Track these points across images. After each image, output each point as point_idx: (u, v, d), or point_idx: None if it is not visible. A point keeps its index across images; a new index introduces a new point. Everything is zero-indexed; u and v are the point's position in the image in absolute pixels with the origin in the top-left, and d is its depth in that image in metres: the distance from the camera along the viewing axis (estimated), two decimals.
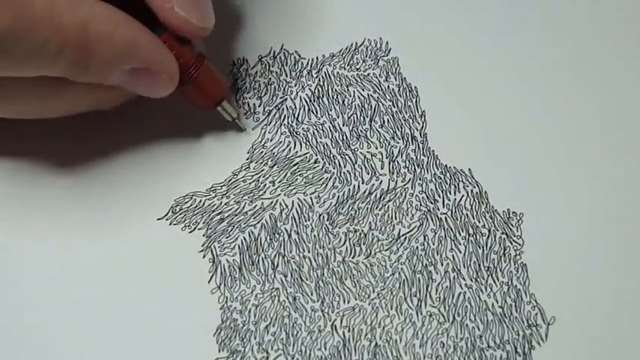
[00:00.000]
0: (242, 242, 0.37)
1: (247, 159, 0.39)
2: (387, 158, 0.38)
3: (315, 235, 0.37)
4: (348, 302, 0.36)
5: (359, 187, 0.38)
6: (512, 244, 0.37)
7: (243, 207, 0.38)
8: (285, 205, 0.38)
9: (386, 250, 0.37)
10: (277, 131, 0.39)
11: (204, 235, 0.37)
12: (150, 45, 0.33)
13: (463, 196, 0.38)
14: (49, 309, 0.36)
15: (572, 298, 0.36)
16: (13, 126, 0.37)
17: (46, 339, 0.35)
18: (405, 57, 0.40)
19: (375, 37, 0.41)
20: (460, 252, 0.37)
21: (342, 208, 0.37)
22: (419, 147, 0.39)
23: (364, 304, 0.36)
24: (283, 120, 0.39)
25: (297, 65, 0.40)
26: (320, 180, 0.38)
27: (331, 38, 0.41)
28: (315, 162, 0.38)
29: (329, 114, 0.39)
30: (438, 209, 0.38)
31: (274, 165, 0.38)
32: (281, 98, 0.40)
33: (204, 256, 0.37)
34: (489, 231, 0.37)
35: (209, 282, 0.36)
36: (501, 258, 0.37)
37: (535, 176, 0.38)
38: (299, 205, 0.37)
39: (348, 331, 0.35)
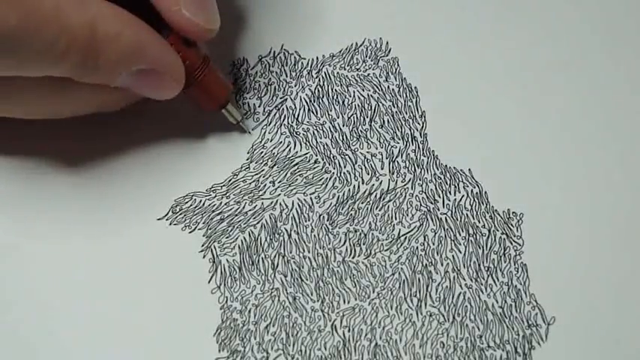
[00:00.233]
0: (242, 242, 0.37)
1: (247, 159, 0.39)
2: (387, 158, 0.38)
3: (315, 235, 0.37)
4: (348, 302, 0.36)
5: (359, 187, 0.38)
6: (512, 244, 0.37)
7: (244, 207, 0.38)
8: (285, 205, 0.38)
9: (386, 250, 0.37)
10: (277, 131, 0.39)
11: (204, 235, 0.37)
12: (156, 46, 0.33)
13: (463, 196, 0.38)
14: (49, 309, 0.36)
15: (572, 298, 0.36)
16: (16, 126, 0.37)
17: (46, 338, 0.35)
18: (405, 57, 0.40)
19: (375, 37, 0.41)
20: (460, 252, 0.37)
21: (342, 209, 0.37)
22: (419, 147, 0.39)
23: (364, 304, 0.36)
24: (283, 120, 0.39)
25: (297, 65, 0.40)
26: (320, 180, 0.38)
27: (331, 38, 0.41)
28: (315, 162, 0.38)
29: (329, 114, 0.39)
30: (438, 209, 0.38)
31: (274, 165, 0.38)
32: (281, 98, 0.40)
33: (204, 256, 0.37)
34: (489, 231, 0.37)
35: (209, 282, 0.36)
36: (501, 258, 0.37)
37: (535, 176, 0.38)
38: (299, 205, 0.38)
39: (348, 331, 0.35)
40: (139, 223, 0.37)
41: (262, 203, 0.38)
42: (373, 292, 0.36)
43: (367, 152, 0.39)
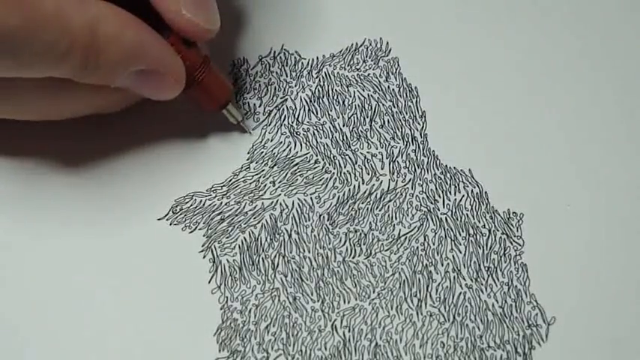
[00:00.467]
0: (242, 242, 0.37)
1: (247, 159, 0.39)
2: (387, 158, 0.38)
3: (315, 235, 0.37)
4: (349, 302, 0.36)
5: (359, 187, 0.38)
6: (512, 244, 0.37)
7: (244, 207, 0.38)
8: (286, 205, 0.38)
9: (386, 250, 0.37)
10: (277, 131, 0.39)
11: (204, 235, 0.37)
12: (157, 47, 0.33)
13: (463, 196, 0.38)
14: (48, 308, 0.36)
15: (572, 298, 0.36)
16: (16, 126, 0.37)
17: (47, 338, 0.35)
18: (405, 57, 0.40)
19: (375, 37, 0.41)
20: (460, 252, 0.37)
21: (343, 209, 0.38)
22: (419, 147, 0.39)
23: (364, 304, 0.36)
24: (283, 120, 0.39)
25: (297, 65, 0.40)
26: (320, 180, 0.38)
27: (331, 38, 0.41)
28: (316, 162, 0.38)
29: (329, 114, 0.39)
30: (438, 209, 0.38)
31: (274, 165, 0.38)
32: (281, 98, 0.40)
33: (204, 256, 0.37)
34: (489, 231, 0.37)
35: (209, 282, 0.36)
36: (501, 258, 0.37)
37: (535, 176, 0.38)
38: (299, 206, 0.38)
39: (349, 331, 0.35)
40: (139, 223, 0.37)
41: (262, 203, 0.38)
42: (373, 292, 0.36)
43: (367, 152, 0.39)
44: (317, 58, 0.40)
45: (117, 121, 0.38)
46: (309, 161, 0.38)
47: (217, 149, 0.39)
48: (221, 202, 0.38)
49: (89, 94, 0.35)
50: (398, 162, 0.38)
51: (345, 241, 0.37)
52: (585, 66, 0.41)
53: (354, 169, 0.38)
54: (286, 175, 0.38)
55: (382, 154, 0.39)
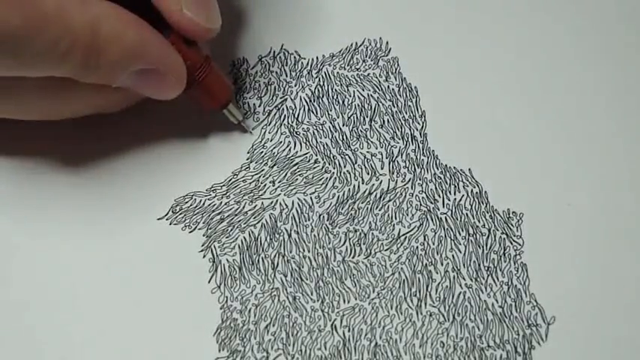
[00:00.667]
0: (242, 242, 0.37)
1: (247, 159, 0.39)
2: (387, 158, 0.38)
3: (315, 235, 0.37)
4: (348, 302, 0.36)
5: (359, 187, 0.38)
6: (512, 243, 0.37)
7: (243, 207, 0.38)
8: (285, 205, 0.38)
9: (386, 249, 0.37)
10: (277, 131, 0.39)
11: (204, 235, 0.37)
12: (158, 46, 0.33)
13: (463, 195, 0.38)
14: (48, 308, 0.36)
15: (572, 298, 0.36)
16: (17, 126, 0.37)
17: (46, 338, 0.35)
18: (405, 57, 0.40)
19: (375, 37, 0.41)
20: (460, 252, 0.37)
21: (342, 208, 0.38)
22: (419, 147, 0.39)
23: (364, 304, 0.36)
24: (283, 120, 0.39)
25: (297, 65, 0.40)
26: (320, 180, 0.38)
27: (331, 38, 0.41)
28: (315, 162, 0.38)
29: (329, 114, 0.39)
30: (438, 209, 0.38)
31: (274, 165, 0.38)
32: (281, 98, 0.40)
33: (204, 256, 0.37)
34: (489, 231, 0.37)
35: (209, 282, 0.36)
36: (501, 258, 0.37)
37: (535, 176, 0.38)
38: (299, 205, 0.38)
39: (348, 330, 0.35)
40: (139, 223, 0.37)
41: (262, 203, 0.38)
42: (373, 291, 0.36)
43: (367, 152, 0.39)
44: (317, 57, 0.40)
45: (116, 121, 0.38)
46: (308, 161, 0.38)
47: (217, 149, 0.39)
48: (221, 202, 0.38)
49: (90, 94, 0.35)
50: (398, 162, 0.38)
51: (345, 241, 0.37)
52: (585, 66, 0.41)
53: (354, 168, 0.38)
54: (286, 174, 0.38)
55: (382, 154, 0.39)
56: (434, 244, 0.37)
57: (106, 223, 0.37)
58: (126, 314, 0.36)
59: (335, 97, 0.40)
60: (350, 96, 0.40)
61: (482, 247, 0.37)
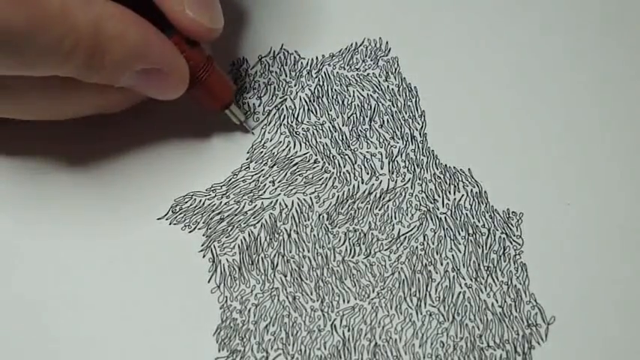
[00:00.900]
0: (242, 242, 0.37)
1: (247, 159, 0.39)
2: (386, 158, 0.38)
3: (314, 235, 0.37)
4: (348, 302, 0.36)
5: (359, 186, 0.38)
6: (511, 243, 0.37)
7: (243, 207, 0.38)
8: (285, 204, 0.38)
9: (385, 249, 0.37)
10: (277, 131, 0.39)
11: (204, 235, 0.37)
12: (161, 46, 0.33)
13: (463, 195, 0.38)
14: (48, 308, 0.36)
15: (572, 298, 0.36)
16: (17, 126, 0.37)
17: (46, 338, 0.35)
18: (404, 57, 0.40)
19: (375, 37, 0.41)
20: (460, 251, 0.37)
21: (342, 208, 0.38)
22: (418, 147, 0.39)
23: (364, 304, 0.36)
24: (283, 120, 0.39)
25: (296, 65, 0.40)
26: (320, 180, 0.38)
27: (331, 38, 0.41)
28: (315, 162, 0.38)
29: (329, 114, 0.39)
30: (438, 209, 0.38)
31: (274, 165, 0.38)
32: (281, 98, 0.40)
33: (204, 256, 0.37)
34: (489, 230, 0.37)
35: (209, 281, 0.36)
36: (501, 257, 0.37)
37: (535, 176, 0.38)
38: (299, 205, 0.38)
39: (348, 330, 0.35)
40: (139, 222, 0.37)
41: (262, 203, 0.38)
42: (373, 291, 0.36)
43: (367, 152, 0.39)
44: (316, 57, 0.40)
45: (116, 121, 0.38)
46: (308, 161, 0.38)
47: (217, 149, 0.39)
48: (220, 202, 0.38)
49: (93, 94, 0.35)
50: (397, 161, 0.38)
51: (345, 241, 0.37)
52: (585, 66, 0.41)
53: (354, 168, 0.38)
54: (286, 174, 0.38)
55: (382, 154, 0.39)
56: (433, 243, 0.37)
57: (106, 223, 0.37)
58: (126, 314, 0.36)
59: (335, 97, 0.40)
60: (350, 96, 0.40)
61: (482, 246, 0.37)
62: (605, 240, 0.37)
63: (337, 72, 0.40)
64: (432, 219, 0.37)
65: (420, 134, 0.39)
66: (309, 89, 0.40)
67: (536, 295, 0.36)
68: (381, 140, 0.39)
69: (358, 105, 0.39)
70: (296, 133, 0.39)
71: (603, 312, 0.36)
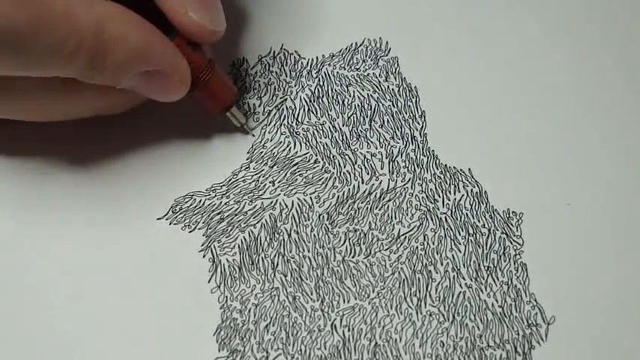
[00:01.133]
0: (242, 242, 0.37)
1: (247, 159, 0.39)
2: (386, 158, 0.39)
3: (314, 235, 0.37)
4: (348, 302, 0.36)
5: (359, 186, 0.38)
6: (512, 243, 0.37)
7: (243, 207, 0.38)
8: (285, 204, 0.38)
9: (386, 249, 0.37)
10: (277, 131, 0.39)
11: (204, 235, 0.37)
12: (163, 48, 0.33)
13: (463, 195, 0.38)
14: (48, 308, 0.36)
15: (572, 298, 0.36)
16: (17, 126, 0.37)
17: (47, 338, 0.35)
18: (405, 57, 0.40)
19: (375, 37, 0.41)
20: (460, 251, 0.37)
21: (342, 208, 0.38)
22: (419, 147, 0.39)
23: (364, 304, 0.36)
24: (283, 120, 0.39)
25: (296, 65, 0.40)
26: (320, 180, 0.38)
27: (331, 38, 0.41)
28: (315, 162, 0.38)
29: (329, 114, 0.39)
30: (438, 209, 0.38)
31: (274, 165, 0.38)
32: (281, 98, 0.40)
33: (204, 256, 0.37)
34: (489, 230, 0.37)
35: (209, 281, 0.36)
36: (501, 257, 0.37)
37: (535, 175, 0.38)
38: (299, 205, 0.38)
39: (348, 330, 0.35)
40: (139, 222, 0.37)
41: (262, 203, 0.38)
42: (373, 291, 0.36)
43: (367, 152, 0.39)
44: (316, 57, 0.40)
45: (116, 121, 0.38)
46: (308, 161, 0.38)
47: (217, 149, 0.39)
48: (220, 202, 0.38)
49: (94, 96, 0.35)
50: (397, 161, 0.38)
51: (345, 241, 0.37)
52: (585, 65, 0.41)
53: (354, 168, 0.38)
54: (286, 174, 0.38)
55: (382, 154, 0.39)
56: (434, 243, 0.37)
57: (106, 223, 0.37)
58: (126, 314, 0.36)
59: (335, 97, 0.40)
60: (350, 96, 0.40)
61: (482, 246, 0.37)
62: (605, 240, 0.37)
63: (337, 72, 0.40)
64: (432, 219, 0.37)
65: (420, 134, 0.39)
66: (310, 89, 0.40)
67: (536, 295, 0.36)
68: (382, 140, 0.39)
69: (358, 105, 0.39)
70: (296, 133, 0.39)
71: (603, 312, 0.36)
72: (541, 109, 0.40)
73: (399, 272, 0.36)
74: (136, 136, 0.39)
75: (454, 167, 0.38)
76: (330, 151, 0.39)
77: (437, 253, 0.37)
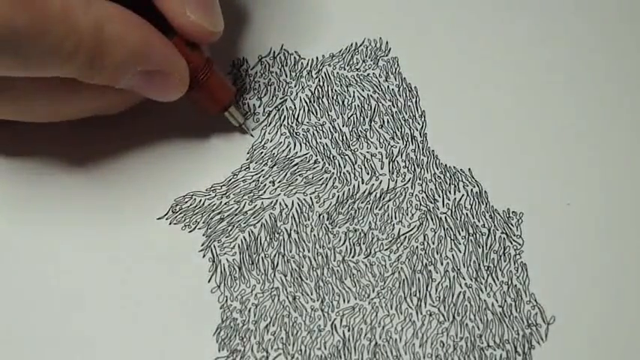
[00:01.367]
0: (242, 242, 0.37)
1: (247, 159, 0.39)
2: (386, 158, 0.39)
3: (314, 235, 0.37)
4: (348, 302, 0.36)
5: (359, 186, 0.38)
6: (512, 243, 0.37)
7: (243, 207, 0.38)
8: (285, 204, 0.38)
9: (386, 249, 0.37)
10: (277, 132, 0.39)
11: (204, 235, 0.37)
12: (162, 47, 0.33)
13: (463, 195, 0.38)
14: (48, 308, 0.36)
15: (572, 298, 0.36)
16: (17, 126, 0.37)
17: (47, 338, 0.35)
18: (405, 57, 0.41)
19: (375, 37, 0.41)
20: (460, 251, 0.37)
21: (342, 208, 0.38)
22: (419, 147, 0.39)
23: (364, 304, 0.36)
24: (283, 121, 0.39)
25: (296, 65, 0.40)
26: (320, 180, 0.38)
27: (331, 38, 0.41)
28: (315, 162, 0.38)
29: (329, 114, 0.39)
30: (438, 209, 0.38)
31: (274, 165, 0.38)
32: (281, 99, 0.40)
33: (204, 256, 0.37)
34: (489, 230, 0.37)
35: (209, 281, 0.36)
36: (501, 257, 0.37)
37: (535, 175, 0.38)
38: (299, 205, 0.38)
39: (348, 330, 0.35)
40: (138, 222, 0.37)
41: (262, 203, 0.38)
42: (373, 291, 0.36)
43: (367, 152, 0.39)
44: (316, 58, 0.40)
45: (116, 121, 0.38)
46: (308, 161, 0.38)
47: (217, 149, 0.39)
48: (221, 202, 0.38)
49: (93, 96, 0.35)
50: (397, 162, 0.38)
51: (345, 241, 0.37)
52: (585, 65, 0.41)
53: (354, 168, 0.38)
54: (286, 174, 0.38)
55: (382, 154, 0.39)
56: (434, 243, 0.37)
57: (106, 223, 0.37)
58: (126, 313, 0.36)
59: (335, 97, 0.40)
60: (350, 96, 0.40)
61: (482, 246, 0.37)
62: (605, 240, 0.37)
63: (337, 72, 0.40)
64: (432, 219, 0.37)
65: (420, 134, 0.39)
66: (310, 90, 0.40)
67: (536, 295, 0.36)
68: (382, 140, 0.39)
69: (358, 105, 0.39)
70: (296, 133, 0.39)
71: (603, 312, 0.36)
72: (541, 109, 0.40)
73: (399, 272, 0.36)
74: (135, 136, 0.39)
75: (454, 167, 0.38)
76: (330, 152, 0.39)
77: (437, 253, 0.37)
